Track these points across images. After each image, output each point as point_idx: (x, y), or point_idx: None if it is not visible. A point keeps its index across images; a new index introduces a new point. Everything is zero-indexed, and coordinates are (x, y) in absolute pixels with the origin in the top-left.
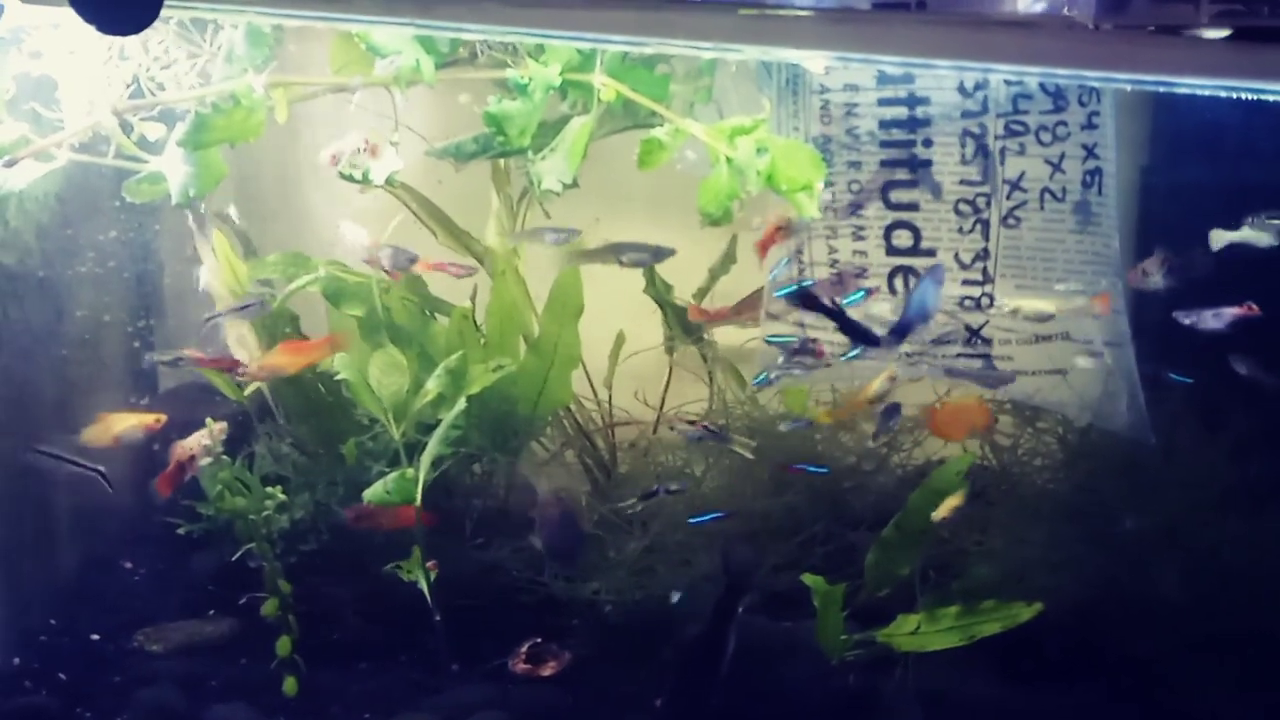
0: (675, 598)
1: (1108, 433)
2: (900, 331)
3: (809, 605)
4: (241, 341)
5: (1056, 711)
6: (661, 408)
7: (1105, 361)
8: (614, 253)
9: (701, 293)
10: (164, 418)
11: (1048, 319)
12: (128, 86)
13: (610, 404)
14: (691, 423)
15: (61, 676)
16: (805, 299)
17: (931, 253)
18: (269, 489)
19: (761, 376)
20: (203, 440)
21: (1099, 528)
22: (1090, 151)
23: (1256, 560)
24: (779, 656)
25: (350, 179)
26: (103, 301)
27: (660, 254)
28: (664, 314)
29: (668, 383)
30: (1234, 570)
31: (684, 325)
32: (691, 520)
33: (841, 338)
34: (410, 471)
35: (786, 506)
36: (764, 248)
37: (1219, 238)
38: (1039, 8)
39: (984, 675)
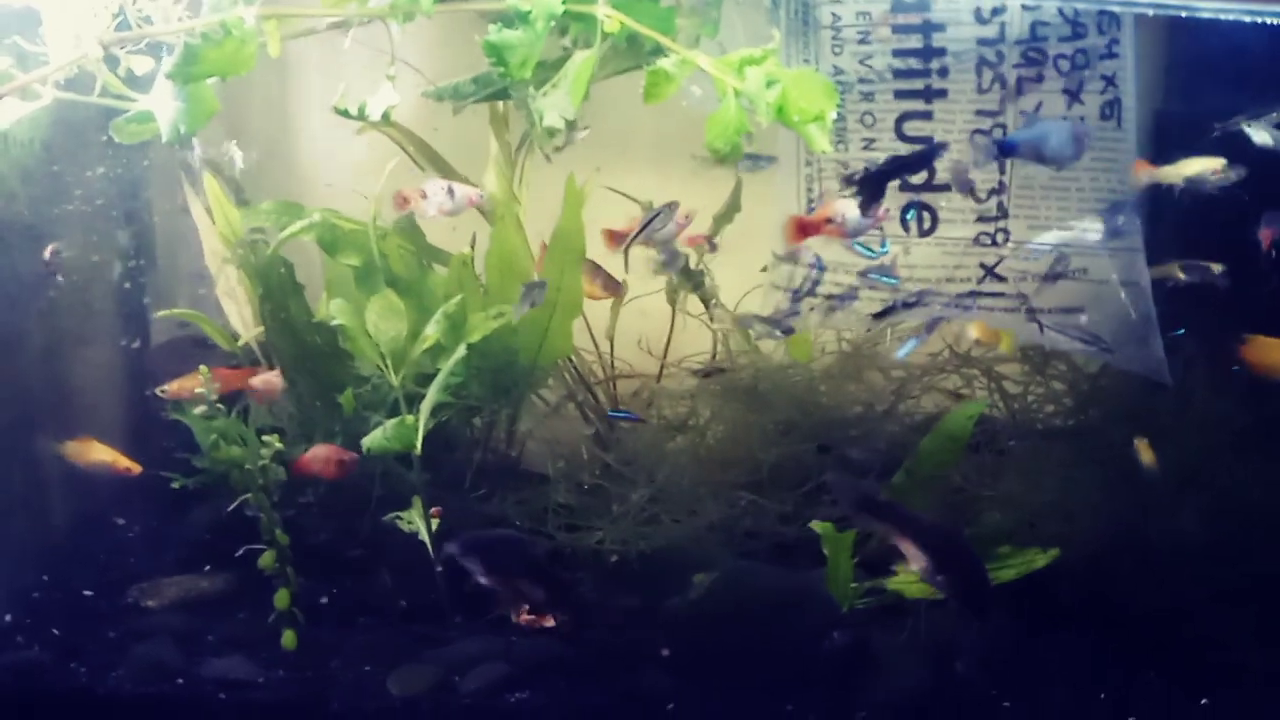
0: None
1: (1123, 374)
2: (1006, 147)
3: (811, 555)
4: (231, 293)
5: (1072, 658)
6: (665, 357)
7: (1122, 300)
8: None
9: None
10: (138, 468)
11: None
12: (114, 18)
13: (612, 354)
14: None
15: (55, 632)
16: (871, 184)
17: (946, 187)
18: (265, 437)
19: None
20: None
21: (1114, 472)
22: (1109, 81)
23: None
24: (788, 605)
25: (345, 114)
26: (93, 246)
27: None
28: None
29: (670, 332)
30: (1254, 513)
31: (686, 272)
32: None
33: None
34: (410, 419)
35: (793, 456)
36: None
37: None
38: None
39: (995, 622)
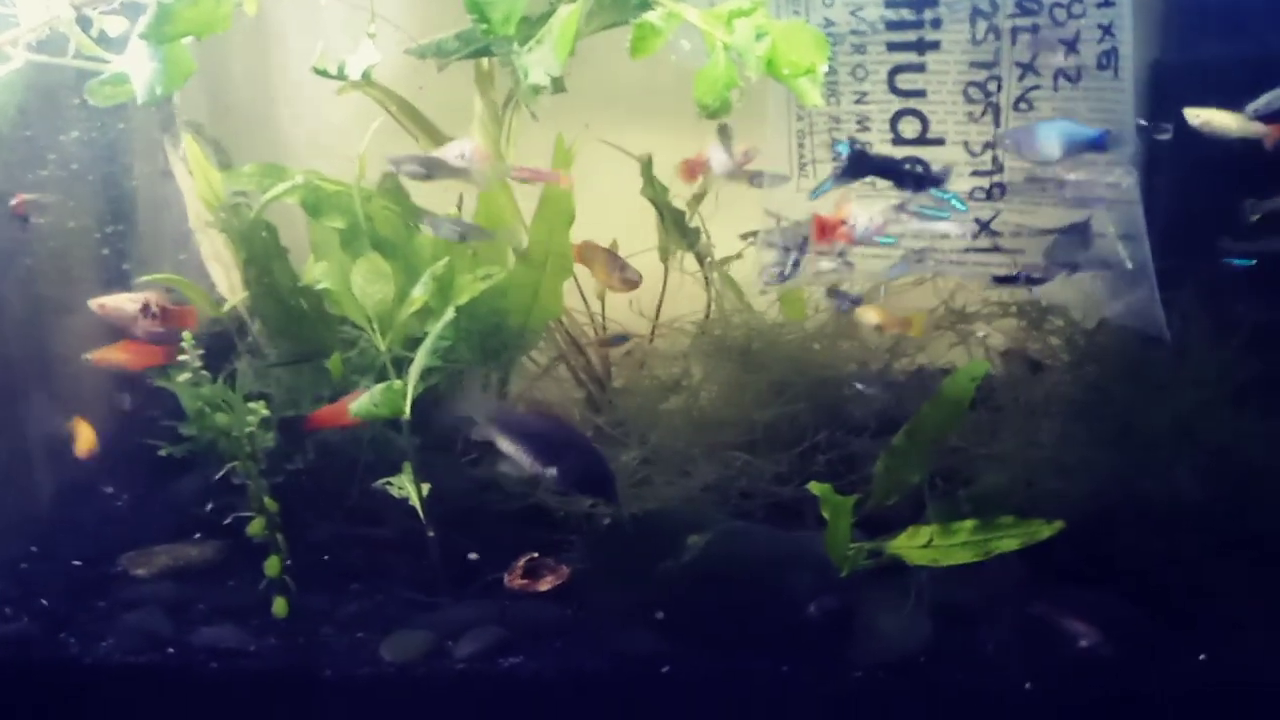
0: None
1: (1120, 330)
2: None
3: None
4: (218, 257)
5: (1069, 612)
6: (657, 317)
7: (1120, 255)
8: None
9: (697, 199)
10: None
11: None
12: None
13: (603, 315)
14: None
15: (44, 603)
16: (857, 163)
17: (940, 141)
18: (251, 404)
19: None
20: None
21: (1112, 429)
22: (1106, 31)
23: (1275, 458)
24: (784, 566)
25: (325, 74)
26: (71, 211)
27: None
28: (660, 217)
29: (663, 291)
30: (1251, 469)
31: (680, 229)
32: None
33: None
34: (398, 384)
35: (787, 415)
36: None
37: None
38: None
39: (994, 578)
